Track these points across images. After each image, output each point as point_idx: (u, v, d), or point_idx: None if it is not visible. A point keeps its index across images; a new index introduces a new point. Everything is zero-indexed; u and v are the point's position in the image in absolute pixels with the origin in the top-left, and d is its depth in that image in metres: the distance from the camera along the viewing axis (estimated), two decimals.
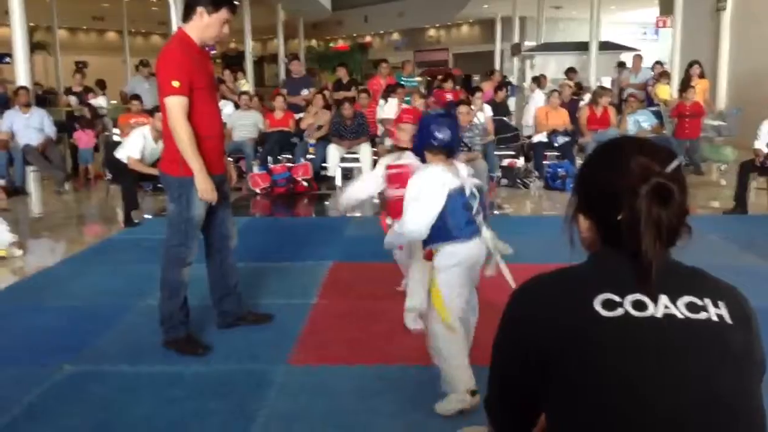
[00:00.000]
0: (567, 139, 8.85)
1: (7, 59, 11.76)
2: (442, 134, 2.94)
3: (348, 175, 9.29)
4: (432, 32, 32.04)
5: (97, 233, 6.37)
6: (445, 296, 2.86)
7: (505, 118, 9.66)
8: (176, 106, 3.24)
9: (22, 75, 9.03)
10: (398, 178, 3.65)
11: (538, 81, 11.62)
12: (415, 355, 3.43)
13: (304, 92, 10.26)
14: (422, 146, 3.04)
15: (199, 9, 3.30)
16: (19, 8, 8.78)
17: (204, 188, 3.33)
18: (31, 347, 3.62)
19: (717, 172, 9.21)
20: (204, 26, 3.33)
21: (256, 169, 8.53)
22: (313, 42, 32.66)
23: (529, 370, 1.18)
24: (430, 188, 2.86)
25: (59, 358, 3.42)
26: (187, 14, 3.35)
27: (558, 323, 1.15)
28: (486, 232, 3.00)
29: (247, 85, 12.54)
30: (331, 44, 32.96)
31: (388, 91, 9.40)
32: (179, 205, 3.40)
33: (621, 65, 12.85)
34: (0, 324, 4.00)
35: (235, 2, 3.51)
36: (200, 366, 3.34)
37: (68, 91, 10.66)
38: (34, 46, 17.67)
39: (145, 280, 4.57)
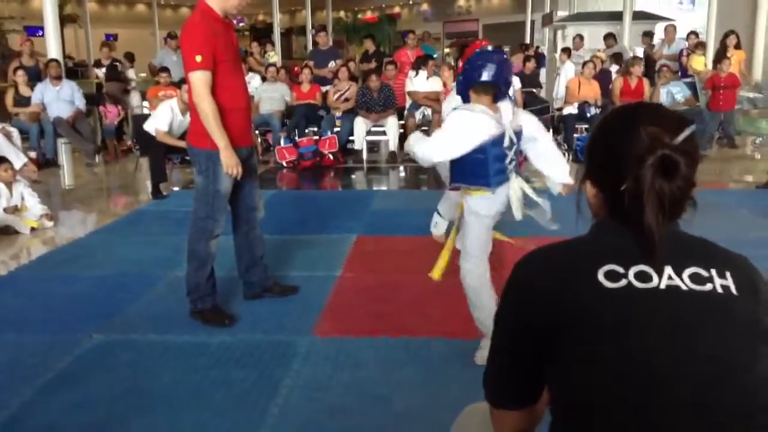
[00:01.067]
0: (598, 111, 8.70)
1: (39, 32, 11.86)
2: (487, 71, 2.80)
3: (374, 148, 9.27)
4: (461, 2, 31.55)
5: (126, 205, 6.46)
6: (473, 243, 3.01)
7: (534, 90, 9.52)
8: (200, 80, 3.22)
9: (53, 48, 9.08)
10: None
11: (569, 52, 11.40)
12: (439, 328, 3.45)
13: (331, 65, 10.21)
14: (467, 84, 2.90)
15: None
16: None
17: (228, 163, 3.32)
18: (62, 316, 3.69)
19: (752, 145, 9.00)
20: None
21: (282, 142, 8.55)
22: (342, 13, 32.42)
23: (530, 341, 1.18)
24: (462, 129, 2.80)
25: (89, 327, 3.50)
26: None
27: (560, 294, 1.15)
28: (515, 182, 2.99)
29: (275, 57, 12.51)
30: (359, 15, 32.67)
31: (419, 64, 9.31)
32: (206, 177, 3.41)
33: (647, 35, 12.44)
34: (31, 293, 4.09)
35: None
36: (226, 336, 3.39)
37: (97, 64, 10.72)
38: (65, 19, 17.78)
39: (172, 251, 4.63)
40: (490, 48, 3.10)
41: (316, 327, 3.50)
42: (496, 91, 2.87)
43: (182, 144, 6.70)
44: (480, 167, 2.86)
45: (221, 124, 3.28)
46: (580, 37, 12.19)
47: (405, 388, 2.86)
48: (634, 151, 1.12)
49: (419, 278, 4.15)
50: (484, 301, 3.02)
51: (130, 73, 11.02)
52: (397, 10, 33.15)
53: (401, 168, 8.48)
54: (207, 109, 3.23)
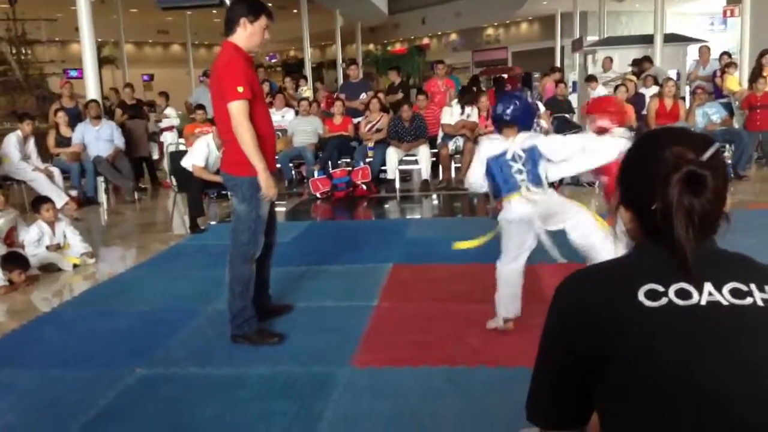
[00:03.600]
0: (632, 134, 8.60)
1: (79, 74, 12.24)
2: (495, 110, 3.71)
3: (406, 177, 9.30)
4: (490, 31, 31.75)
5: (164, 240, 6.55)
6: (504, 245, 3.68)
7: (567, 116, 9.48)
8: (241, 109, 3.42)
9: (91, 89, 9.38)
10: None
11: (595, 78, 11.36)
12: (480, 356, 3.41)
13: (363, 96, 10.31)
14: (494, 121, 3.81)
15: (243, 20, 3.52)
16: (88, 25, 9.12)
17: (268, 185, 3.53)
18: (105, 351, 3.74)
19: None
20: (248, 35, 3.55)
21: (316, 174, 8.63)
22: (371, 46, 32.84)
23: (572, 363, 1.18)
24: (478, 154, 3.68)
25: (131, 361, 3.53)
26: (231, 27, 3.56)
27: (602, 315, 1.15)
28: (532, 194, 3.50)
29: (308, 91, 12.70)
30: (389, 48, 33.06)
31: (466, 100, 9.26)
32: (249, 204, 3.58)
33: (644, 61, 12.08)
34: (75, 329, 4.16)
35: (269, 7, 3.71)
36: (265, 368, 3.39)
37: (122, 105, 10.84)
38: (103, 61, 18.33)
39: (211, 285, 4.68)
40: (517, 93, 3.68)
41: (354, 357, 3.49)
42: (498, 122, 3.67)
43: (218, 179, 6.82)
44: (494, 181, 3.58)
45: (259, 150, 3.48)
46: (610, 59, 12.14)
47: (447, 419, 2.83)
48: (661, 170, 1.14)
49: (457, 306, 4.15)
50: (500, 291, 3.70)
51: (168, 111, 11.24)
52: (426, 41, 33.49)
53: (434, 196, 8.48)
54: (247, 135, 3.43)
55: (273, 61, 31.28)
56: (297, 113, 9.83)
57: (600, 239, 3.52)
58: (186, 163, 6.88)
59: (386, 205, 8.16)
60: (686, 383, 1.07)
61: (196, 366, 3.47)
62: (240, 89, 3.41)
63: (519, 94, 4.00)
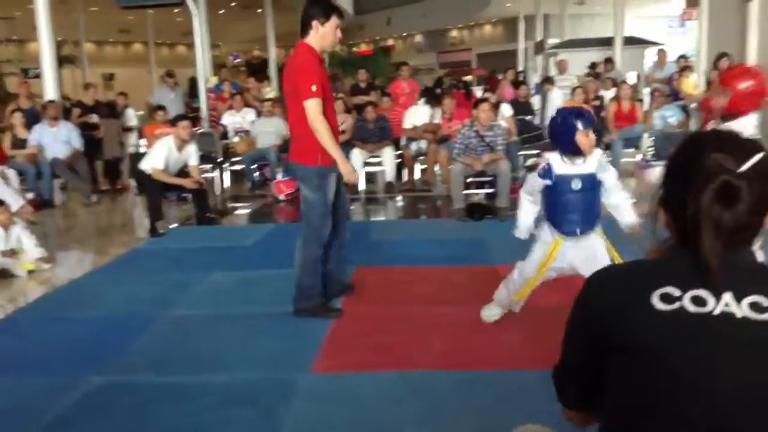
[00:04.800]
0: None
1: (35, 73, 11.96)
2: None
3: (371, 179, 9.30)
4: (455, 33, 31.94)
5: (123, 244, 6.45)
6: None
7: (528, 118, 9.57)
8: (316, 106, 3.70)
9: (50, 89, 9.19)
10: None
11: (551, 80, 11.50)
12: (441, 360, 3.42)
13: None
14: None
15: (314, 22, 3.79)
16: (46, 23, 8.95)
17: (348, 170, 3.89)
18: (61, 358, 3.66)
19: None
20: (321, 36, 3.81)
21: (280, 176, 8.57)
22: (337, 47, 32.73)
23: (590, 354, 1.25)
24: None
25: (88, 369, 3.46)
26: (304, 29, 3.83)
27: (615, 314, 1.19)
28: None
29: (272, 92, 12.61)
30: (354, 48, 33.03)
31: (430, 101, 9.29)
32: (318, 191, 3.90)
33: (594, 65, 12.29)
34: (29, 336, 4.06)
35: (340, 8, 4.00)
36: (225, 375, 3.35)
37: (78, 105, 10.55)
38: (62, 60, 17.97)
39: (170, 289, 4.62)
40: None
41: (316, 362, 3.47)
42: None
43: (179, 181, 6.75)
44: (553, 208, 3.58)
45: (335, 142, 3.81)
46: (564, 61, 12.29)
47: (407, 424, 2.83)
48: (698, 177, 1.13)
49: (420, 309, 4.16)
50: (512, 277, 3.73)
51: (129, 113, 11.06)
52: (391, 42, 33.52)
53: (399, 198, 8.50)
54: (323, 130, 3.73)
55: (237, 60, 30.97)
56: (259, 114, 9.76)
57: None
58: (145, 165, 6.77)
59: (350, 207, 8.14)
60: (686, 389, 1.10)
61: (155, 373, 3.42)
62: (314, 88, 3.68)
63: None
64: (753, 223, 1.15)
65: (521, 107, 9.65)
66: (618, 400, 1.19)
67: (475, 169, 6.85)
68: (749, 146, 1.16)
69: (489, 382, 3.15)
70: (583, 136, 3.28)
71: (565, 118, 3.33)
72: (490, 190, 6.86)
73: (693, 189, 1.13)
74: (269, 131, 9.18)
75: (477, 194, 7.17)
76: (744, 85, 3.28)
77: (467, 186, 7.03)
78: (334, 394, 3.12)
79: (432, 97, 9.78)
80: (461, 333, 3.77)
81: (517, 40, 26.64)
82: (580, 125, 3.28)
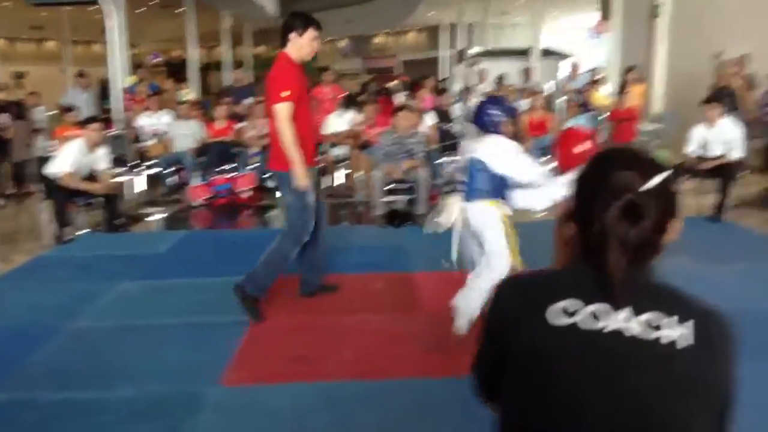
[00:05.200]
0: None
1: None
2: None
3: None
4: (380, 39, 32.12)
5: (28, 251, 6.14)
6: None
7: (447, 125, 9.67)
8: (283, 110, 3.90)
9: None
10: None
11: (470, 89, 11.71)
12: (352, 370, 3.40)
13: (248, 101, 10.12)
14: None
15: (292, 34, 4.00)
16: None
17: (300, 174, 3.98)
18: None
19: None
20: (298, 47, 4.02)
21: (196, 181, 8.37)
22: (262, 48, 32.35)
23: (493, 357, 1.26)
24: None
25: None
26: (284, 40, 4.04)
27: (513, 324, 1.21)
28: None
29: (190, 94, 12.31)
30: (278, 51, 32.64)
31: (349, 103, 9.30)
32: (296, 195, 4.06)
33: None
34: None
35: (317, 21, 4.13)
36: (130, 389, 3.23)
37: None
38: None
39: (76, 299, 4.43)
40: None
41: (225, 375, 3.39)
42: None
43: (87, 186, 6.47)
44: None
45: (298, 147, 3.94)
46: (483, 70, 12.54)
47: None
48: (604, 194, 1.15)
49: (333, 318, 4.13)
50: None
51: (38, 112, 10.57)
52: None
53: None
54: (287, 132, 3.91)
55: (156, 60, 30.13)
56: (178, 116, 9.50)
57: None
58: (53, 169, 6.47)
59: (270, 214, 8.02)
60: (570, 405, 1.12)
61: (57, 388, 3.26)
62: (284, 94, 3.90)
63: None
64: (655, 241, 1.17)
65: (442, 115, 9.76)
66: (509, 406, 1.22)
67: (394, 176, 6.88)
68: (654, 164, 1.19)
69: (400, 391, 3.15)
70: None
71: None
72: (410, 197, 6.89)
73: (599, 205, 1.15)
74: (186, 134, 8.94)
75: (397, 201, 7.19)
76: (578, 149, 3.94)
77: (389, 193, 7.05)
78: (244, 407, 3.06)
79: (354, 103, 9.77)
80: (376, 342, 3.77)
81: (439, 48, 27.03)
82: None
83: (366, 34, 31.24)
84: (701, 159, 6.79)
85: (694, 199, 6.98)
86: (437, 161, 8.35)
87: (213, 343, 3.79)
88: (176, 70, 19.18)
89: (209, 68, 30.50)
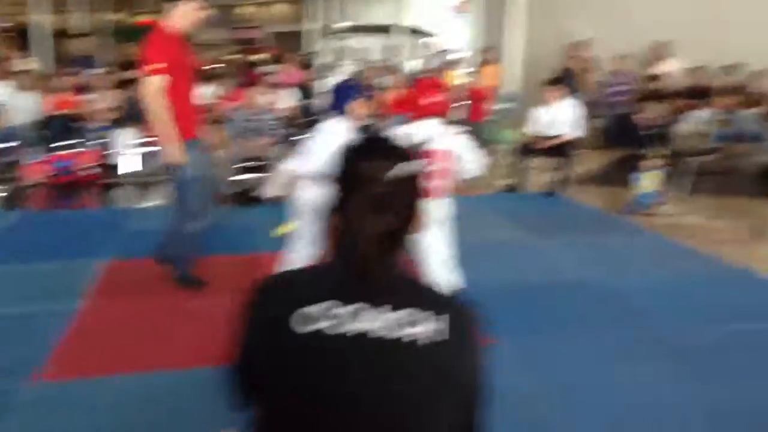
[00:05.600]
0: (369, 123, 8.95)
1: None
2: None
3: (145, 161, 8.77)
4: (245, 9, 31.21)
5: None
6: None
7: (307, 101, 9.57)
8: (151, 84, 3.78)
9: None
10: None
11: (330, 66, 11.65)
12: (178, 360, 3.30)
13: (95, 71, 9.51)
14: None
15: (179, 2, 3.87)
16: None
17: (171, 150, 3.93)
18: None
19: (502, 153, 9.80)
20: (181, 15, 3.89)
21: (35, 157, 7.78)
22: (122, 15, 30.51)
23: (242, 356, 1.21)
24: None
25: None
26: (167, 9, 3.90)
27: (261, 327, 1.17)
28: None
29: (33, 63, 11.39)
30: (137, 18, 30.97)
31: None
32: (175, 168, 4.03)
33: None
34: None
35: None
36: None
37: None
38: None
39: None
40: None
41: (44, 369, 3.19)
42: None
43: None
44: None
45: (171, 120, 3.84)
46: (344, 47, 12.52)
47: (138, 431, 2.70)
48: (351, 185, 1.12)
49: (168, 304, 3.98)
50: None
51: None
52: None
53: (168, 182, 8.09)
54: (156, 107, 3.82)
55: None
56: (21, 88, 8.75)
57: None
58: None
59: (115, 192, 7.60)
60: (313, 409, 1.10)
61: None
62: (153, 66, 3.76)
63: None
64: (400, 230, 1.16)
65: (304, 91, 9.64)
66: (264, 408, 1.18)
67: (248, 154, 6.73)
68: (398, 153, 1.18)
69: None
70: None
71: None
72: (261, 175, 6.76)
73: (346, 197, 1.13)
74: (24, 106, 8.28)
75: (248, 179, 7.03)
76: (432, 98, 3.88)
77: (242, 171, 6.88)
78: (64, 403, 2.90)
79: (212, 75, 9.43)
80: (213, 327, 3.66)
81: (305, 21, 26.62)
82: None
83: (230, 3, 30.24)
84: (541, 138, 7.14)
85: (537, 176, 7.36)
86: (295, 138, 8.25)
87: (33, 335, 3.55)
88: (22, 36, 17.74)
89: (64, 35, 28.44)
